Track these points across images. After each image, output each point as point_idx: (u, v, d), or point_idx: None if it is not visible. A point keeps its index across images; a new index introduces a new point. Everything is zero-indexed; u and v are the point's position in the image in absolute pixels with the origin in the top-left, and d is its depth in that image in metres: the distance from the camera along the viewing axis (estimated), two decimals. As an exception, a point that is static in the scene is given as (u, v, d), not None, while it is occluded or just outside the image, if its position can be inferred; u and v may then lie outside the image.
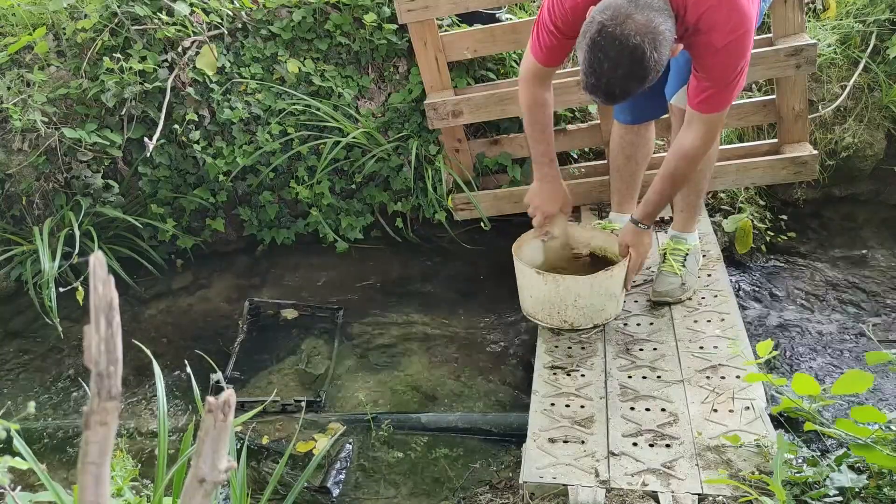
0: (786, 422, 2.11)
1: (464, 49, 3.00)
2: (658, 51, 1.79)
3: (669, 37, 1.82)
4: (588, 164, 3.28)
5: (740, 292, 2.94)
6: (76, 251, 2.96)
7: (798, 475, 1.74)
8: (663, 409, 2.07)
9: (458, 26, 3.23)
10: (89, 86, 3.06)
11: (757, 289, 2.99)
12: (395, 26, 3.09)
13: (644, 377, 2.20)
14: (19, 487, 1.56)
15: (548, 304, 2.39)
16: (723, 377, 2.15)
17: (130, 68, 3.02)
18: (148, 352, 1.98)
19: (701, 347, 2.29)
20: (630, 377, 2.21)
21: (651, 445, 1.94)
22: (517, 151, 3.19)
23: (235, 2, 3.20)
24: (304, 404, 2.50)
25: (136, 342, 2.04)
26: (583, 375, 2.26)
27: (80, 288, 2.90)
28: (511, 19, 3.21)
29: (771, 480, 1.63)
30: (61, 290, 2.87)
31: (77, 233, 2.99)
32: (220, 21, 3.15)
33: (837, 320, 2.78)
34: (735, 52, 1.94)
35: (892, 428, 1.71)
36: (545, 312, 2.41)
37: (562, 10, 2.01)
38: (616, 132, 2.65)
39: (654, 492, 1.79)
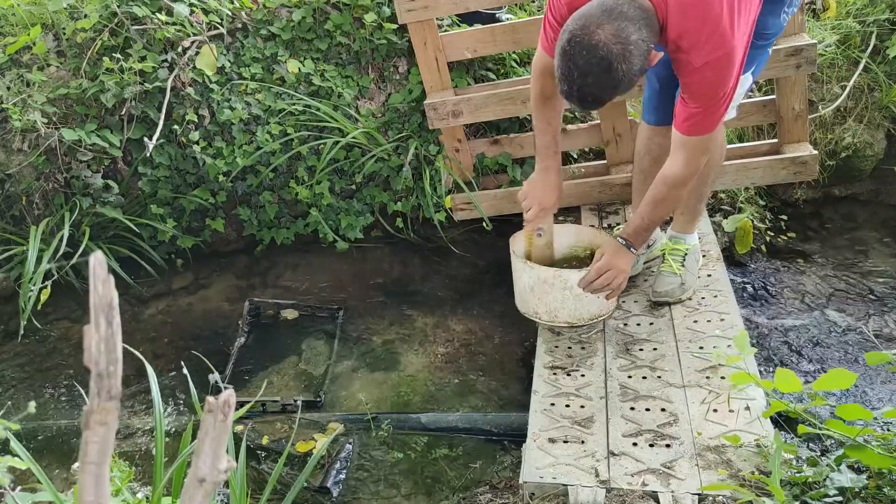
0: (785, 422, 2.11)
1: (464, 49, 3.00)
2: (628, 61, 1.78)
3: (643, 46, 1.80)
4: (588, 164, 3.28)
5: (740, 292, 2.93)
6: (62, 250, 2.96)
7: (798, 475, 1.74)
8: (663, 409, 2.07)
9: (458, 26, 3.23)
10: (89, 86, 3.06)
11: (757, 289, 2.99)
12: (395, 26, 3.08)
13: (644, 377, 2.20)
14: (19, 488, 1.56)
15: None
16: (722, 377, 2.14)
17: (130, 68, 3.02)
18: (139, 355, 1.95)
19: (701, 347, 2.29)
20: (630, 377, 2.21)
21: (651, 445, 1.94)
22: (517, 151, 3.19)
23: (235, 2, 3.20)
24: (302, 404, 2.50)
25: (127, 346, 2.03)
26: (583, 375, 2.26)
27: (48, 288, 2.91)
28: (511, 19, 3.21)
29: (769, 481, 1.63)
30: (34, 287, 2.85)
31: (67, 233, 2.99)
32: (219, 21, 3.15)
33: (837, 320, 2.78)
34: (714, 74, 1.92)
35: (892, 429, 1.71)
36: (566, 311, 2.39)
37: (559, 4, 2.03)
38: (644, 133, 2.56)
39: (654, 492, 1.79)
